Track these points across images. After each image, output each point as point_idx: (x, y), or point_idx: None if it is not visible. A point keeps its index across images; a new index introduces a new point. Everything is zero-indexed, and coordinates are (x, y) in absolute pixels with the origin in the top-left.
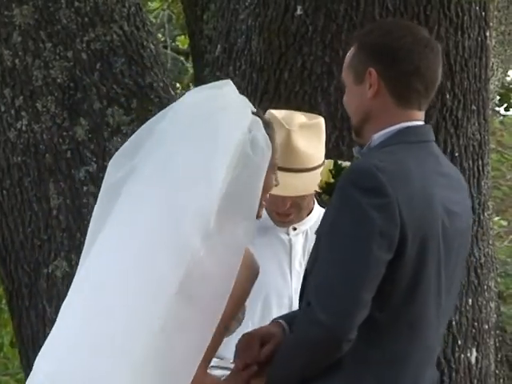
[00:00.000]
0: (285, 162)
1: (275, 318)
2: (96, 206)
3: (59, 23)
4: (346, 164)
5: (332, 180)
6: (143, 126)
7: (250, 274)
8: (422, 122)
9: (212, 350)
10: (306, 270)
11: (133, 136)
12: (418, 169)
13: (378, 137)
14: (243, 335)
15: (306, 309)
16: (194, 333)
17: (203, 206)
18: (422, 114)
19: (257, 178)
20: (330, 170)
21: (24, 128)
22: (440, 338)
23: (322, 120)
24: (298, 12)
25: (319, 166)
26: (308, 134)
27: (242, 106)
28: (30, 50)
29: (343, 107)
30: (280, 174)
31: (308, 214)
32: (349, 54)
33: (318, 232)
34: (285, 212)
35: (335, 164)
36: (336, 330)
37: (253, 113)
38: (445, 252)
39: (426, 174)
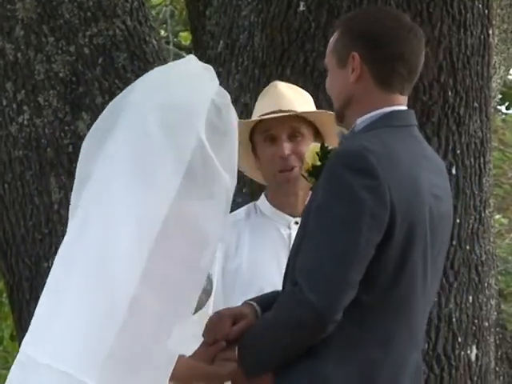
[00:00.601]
0: (271, 106)
1: (246, 300)
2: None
3: (62, 17)
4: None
5: (319, 163)
6: (113, 101)
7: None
8: (405, 107)
9: None
10: (290, 251)
11: (102, 115)
12: (403, 152)
13: (361, 121)
14: (214, 313)
15: (292, 288)
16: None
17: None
18: (404, 99)
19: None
20: (317, 153)
21: (26, 122)
22: (425, 321)
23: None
24: (301, 8)
25: (307, 116)
26: (294, 91)
27: (209, 75)
28: (33, 44)
29: None
30: (267, 116)
31: None
32: (332, 39)
33: (303, 214)
34: (287, 164)
35: (322, 146)
36: (324, 310)
37: None
38: (431, 236)
39: (412, 157)
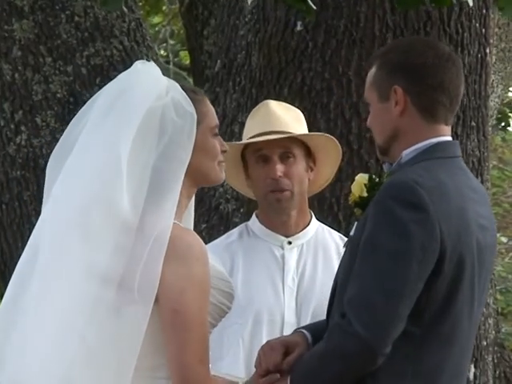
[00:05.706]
0: (263, 126)
1: (298, 328)
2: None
3: (59, 38)
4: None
5: (365, 194)
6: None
7: (204, 260)
8: (449, 138)
9: (204, 344)
10: (335, 281)
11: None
12: (451, 184)
13: (407, 153)
14: (266, 342)
15: (340, 320)
16: None
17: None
18: (448, 129)
19: (187, 143)
20: (365, 184)
21: (23, 143)
22: (471, 348)
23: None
24: (298, 28)
25: (298, 136)
26: (286, 109)
27: (154, 77)
28: (30, 64)
29: (342, 124)
30: (260, 138)
31: (304, 228)
32: (370, 74)
33: (349, 244)
34: (279, 185)
35: (370, 178)
36: (372, 343)
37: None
38: (478, 267)
39: (460, 189)
